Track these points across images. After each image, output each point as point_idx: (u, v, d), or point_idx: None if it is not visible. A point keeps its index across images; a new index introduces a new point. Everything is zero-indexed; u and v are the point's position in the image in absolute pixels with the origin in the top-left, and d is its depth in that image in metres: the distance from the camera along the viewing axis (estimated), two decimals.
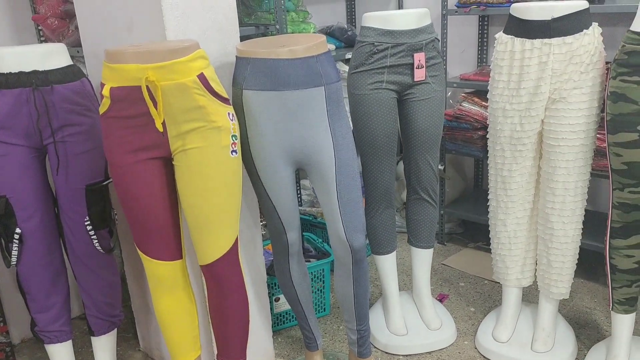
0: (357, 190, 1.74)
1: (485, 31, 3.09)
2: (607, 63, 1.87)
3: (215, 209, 1.56)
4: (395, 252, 2.30)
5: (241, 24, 2.78)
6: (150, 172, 1.55)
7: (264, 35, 2.70)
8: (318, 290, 2.45)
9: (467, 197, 3.26)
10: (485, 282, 2.71)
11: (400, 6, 3.38)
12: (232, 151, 1.56)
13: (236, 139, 1.57)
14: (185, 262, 1.71)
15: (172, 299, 1.71)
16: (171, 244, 1.64)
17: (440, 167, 3.00)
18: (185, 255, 1.70)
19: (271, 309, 2.32)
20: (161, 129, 1.48)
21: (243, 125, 1.68)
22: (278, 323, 2.41)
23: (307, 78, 1.64)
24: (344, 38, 3.10)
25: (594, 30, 1.84)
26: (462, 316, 2.46)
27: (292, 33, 2.75)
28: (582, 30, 1.82)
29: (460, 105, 2.85)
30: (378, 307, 2.41)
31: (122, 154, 1.52)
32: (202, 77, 1.47)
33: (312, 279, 2.41)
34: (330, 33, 3.15)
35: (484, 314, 2.42)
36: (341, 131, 1.71)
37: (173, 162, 1.56)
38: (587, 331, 2.30)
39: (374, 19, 2.03)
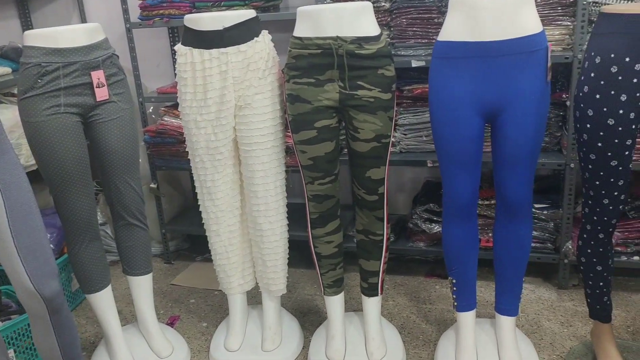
0: (39, 231, 1.53)
1: (176, 43, 3.05)
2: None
3: None
4: (110, 286, 2.12)
5: None
6: None
7: None
8: (26, 349, 2.13)
9: (187, 210, 3.21)
10: (216, 293, 2.70)
11: (83, 21, 3.15)
12: None
13: None
14: None
15: None
16: None
17: (153, 185, 2.90)
18: None
19: None
20: None
21: None
22: None
23: None
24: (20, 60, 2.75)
25: (264, 38, 1.94)
26: (195, 334, 2.40)
27: None
28: (253, 38, 1.90)
29: (162, 119, 2.78)
30: (102, 350, 2.20)
31: None
32: None
33: (16, 337, 2.08)
34: (3, 54, 2.77)
35: (216, 327, 2.40)
36: (6, 168, 1.48)
37: None
38: (311, 317, 2.45)
39: (38, 37, 1.82)
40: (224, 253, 2.14)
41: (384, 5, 2.41)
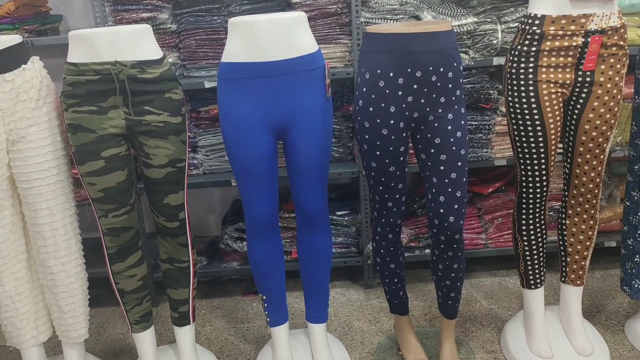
0: None
1: None
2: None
3: None
4: None
5: None
6: None
7: None
8: None
9: None
10: (10, 349, 2.41)
11: None
12: None
13: None
14: None
15: None
16: None
17: None
18: None
19: None
20: None
21: None
22: None
23: None
24: None
25: (34, 64, 1.78)
26: None
27: None
28: (20, 66, 1.73)
29: None
30: None
31: None
32: None
33: None
34: None
35: None
36: None
37: None
38: (123, 358, 2.30)
39: None
40: (11, 304, 1.90)
41: (170, 27, 2.37)
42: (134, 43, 1.71)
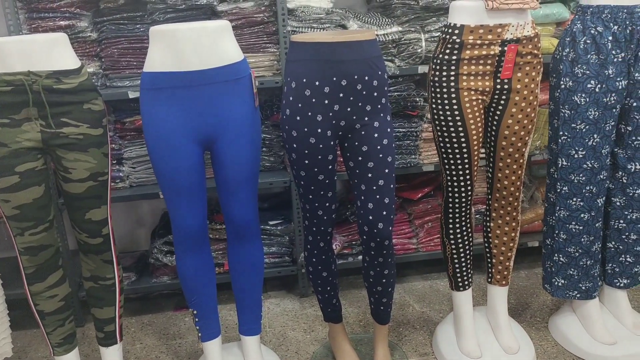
0: None
1: None
2: None
3: None
4: None
5: None
6: None
7: None
8: None
9: None
10: None
11: None
12: None
13: None
14: None
15: None
16: None
17: None
18: None
19: None
20: None
21: None
22: None
23: None
24: None
25: None
26: None
27: None
28: None
29: None
30: None
31: None
32: None
33: None
34: None
35: None
36: None
37: None
38: None
39: None
40: None
41: (90, 36, 2.28)
42: (49, 52, 1.64)
